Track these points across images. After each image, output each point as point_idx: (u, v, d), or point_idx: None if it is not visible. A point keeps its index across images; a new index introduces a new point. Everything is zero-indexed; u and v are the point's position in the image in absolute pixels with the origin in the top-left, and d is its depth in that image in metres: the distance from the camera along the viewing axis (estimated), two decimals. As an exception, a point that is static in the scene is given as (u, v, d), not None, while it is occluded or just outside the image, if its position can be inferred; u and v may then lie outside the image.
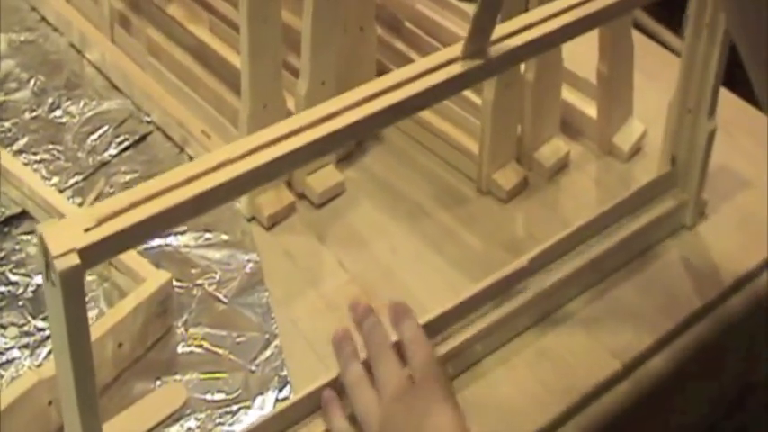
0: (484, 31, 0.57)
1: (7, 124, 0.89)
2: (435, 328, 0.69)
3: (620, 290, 0.75)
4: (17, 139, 0.87)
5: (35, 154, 0.86)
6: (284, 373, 0.70)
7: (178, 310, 0.74)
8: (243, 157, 0.50)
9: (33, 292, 0.75)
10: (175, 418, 0.68)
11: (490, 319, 0.70)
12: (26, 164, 0.84)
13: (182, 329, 0.73)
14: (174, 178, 0.48)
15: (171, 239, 0.79)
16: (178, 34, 0.89)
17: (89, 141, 0.88)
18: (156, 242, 0.79)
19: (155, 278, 0.72)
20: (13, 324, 0.73)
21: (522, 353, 0.71)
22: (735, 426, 0.89)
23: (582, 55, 0.82)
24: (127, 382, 0.70)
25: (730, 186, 0.82)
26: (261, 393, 0.69)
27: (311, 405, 0.65)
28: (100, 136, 0.88)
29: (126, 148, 0.87)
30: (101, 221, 0.47)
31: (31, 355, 0.71)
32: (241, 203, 0.81)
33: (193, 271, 0.77)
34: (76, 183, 0.84)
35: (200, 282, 0.76)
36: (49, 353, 0.71)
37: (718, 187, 0.81)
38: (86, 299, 0.73)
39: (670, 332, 0.73)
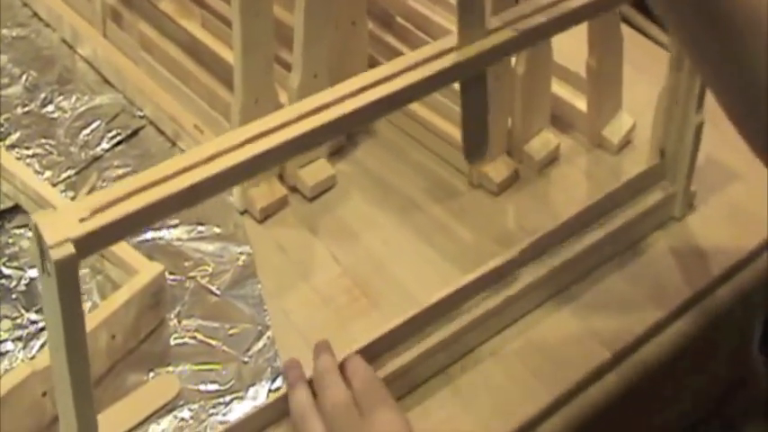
0: (472, 23, 0.57)
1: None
2: (427, 319, 0.69)
3: (611, 280, 0.76)
4: (10, 134, 0.88)
5: (28, 148, 0.87)
6: (277, 364, 0.71)
7: (171, 303, 0.74)
8: (234, 148, 0.50)
9: (26, 285, 0.76)
10: (168, 408, 0.68)
11: (481, 309, 0.71)
12: (19, 158, 0.85)
13: (175, 321, 0.74)
14: (167, 169, 0.49)
15: (164, 232, 0.80)
16: (170, 29, 0.89)
17: (81, 136, 0.88)
18: (149, 235, 0.79)
19: (147, 270, 0.72)
20: (6, 317, 0.73)
21: (513, 343, 0.72)
22: (725, 418, 0.90)
23: (571, 49, 0.83)
24: (120, 374, 0.70)
25: (718, 178, 0.83)
26: (253, 384, 0.70)
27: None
28: (92, 130, 0.88)
29: (118, 143, 0.87)
30: (95, 212, 0.47)
31: (24, 347, 0.72)
32: (234, 196, 0.82)
33: (186, 263, 0.77)
34: (69, 177, 0.84)
35: (192, 274, 0.77)
36: (43, 345, 0.72)
37: (706, 179, 0.81)
38: (79, 291, 0.75)
39: (659, 322, 0.74)
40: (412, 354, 0.68)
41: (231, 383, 0.70)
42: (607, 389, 0.71)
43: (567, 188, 0.84)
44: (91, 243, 0.47)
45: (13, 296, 0.75)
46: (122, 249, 0.75)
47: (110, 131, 0.88)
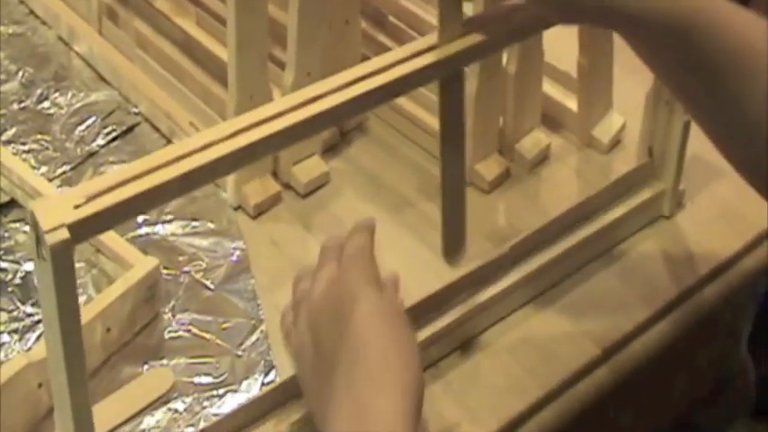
0: (453, 18, 0.58)
1: (-5, 115, 0.90)
2: (418, 313, 0.70)
3: (600, 278, 0.77)
4: (6, 130, 0.88)
5: (24, 144, 0.87)
6: (270, 357, 0.72)
7: (165, 297, 0.75)
8: (227, 138, 0.51)
9: (22, 278, 0.76)
10: (163, 401, 0.69)
11: (472, 305, 0.71)
12: (15, 154, 0.85)
13: (169, 315, 0.74)
14: (161, 158, 0.50)
15: (158, 228, 0.80)
16: (165, 27, 0.90)
17: (77, 132, 0.89)
18: (144, 230, 0.80)
19: (142, 264, 0.73)
20: (2, 310, 0.74)
21: (503, 338, 0.73)
22: (713, 416, 0.91)
23: (562, 49, 0.84)
24: (115, 367, 0.71)
25: (707, 176, 0.84)
26: (247, 377, 0.71)
27: (296, 388, 0.66)
28: (88, 127, 0.89)
29: (114, 139, 0.88)
30: (90, 198, 0.49)
31: (20, 339, 0.72)
32: (228, 192, 0.83)
33: (180, 258, 0.78)
34: (64, 172, 0.85)
35: (187, 269, 0.78)
36: (39, 338, 0.72)
37: (694, 177, 0.82)
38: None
39: (648, 319, 0.75)
40: (403, 348, 0.69)
41: (225, 376, 0.71)
42: (596, 385, 0.72)
43: (557, 187, 0.85)
44: (85, 228, 0.48)
45: (10, 289, 0.76)
46: (118, 244, 0.76)
47: (105, 128, 0.89)
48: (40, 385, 0.67)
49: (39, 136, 0.88)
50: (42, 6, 0.99)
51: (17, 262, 0.77)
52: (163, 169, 0.50)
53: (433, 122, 0.86)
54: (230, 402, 0.69)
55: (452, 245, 0.66)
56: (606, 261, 0.78)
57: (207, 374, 0.71)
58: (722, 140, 0.63)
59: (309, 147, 0.84)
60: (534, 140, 0.86)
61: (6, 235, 0.80)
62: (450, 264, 0.69)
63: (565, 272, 0.76)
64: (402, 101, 0.88)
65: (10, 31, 0.99)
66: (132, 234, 0.80)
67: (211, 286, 0.76)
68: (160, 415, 0.68)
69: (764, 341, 1.19)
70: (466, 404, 0.69)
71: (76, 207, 0.49)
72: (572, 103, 0.88)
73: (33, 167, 0.85)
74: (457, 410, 0.68)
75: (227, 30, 0.76)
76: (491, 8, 0.63)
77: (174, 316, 0.74)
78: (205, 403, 0.69)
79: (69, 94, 0.92)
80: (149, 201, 0.50)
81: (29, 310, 0.74)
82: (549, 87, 0.88)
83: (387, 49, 0.88)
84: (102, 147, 0.88)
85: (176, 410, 0.69)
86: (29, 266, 0.77)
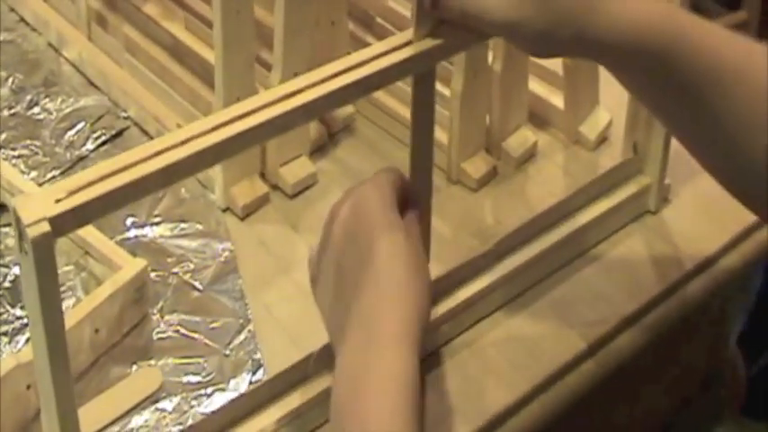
0: (427, 15, 0.59)
1: (-15, 121, 0.90)
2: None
3: (586, 273, 0.77)
4: (-4, 136, 0.89)
5: (14, 149, 0.88)
6: (258, 356, 0.72)
7: (154, 298, 0.76)
8: (207, 132, 0.52)
9: (12, 281, 0.77)
10: (151, 401, 0.70)
11: (457, 301, 0.72)
12: (5, 159, 0.86)
13: (157, 316, 0.75)
14: (141, 153, 0.51)
15: (147, 230, 0.81)
16: (154, 32, 0.91)
17: (67, 137, 0.89)
18: (132, 233, 0.81)
19: (131, 266, 0.74)
20: (-8, 313, 0.75)
21: (489, 334, 0.73)
22: (702, 410, 0.91)
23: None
24: (104, 368, 0.71)
25: (692, 171, 0.83)
26: (235, 376, 0.71)
27: (284, 384, 0.67)
28: (77, 131, 0.90)
29: (103, 143, 0.89)
30: (71, 193, 0.49)
31: (9, 342, 0.73)
32: (216, 194, 0.83)
33: (169, 260, 0.79)
34: (54, 177, 0.86)
35: (175, 270, 0.78)
36: (28, 340, 0.73)
37: (680, 172, 0.83)
38: (64, 288, 0.76)
39: (634, 314, 0.75)
40: (390, 345, 0.69)
41: (213, 376, 0.71)
42: (583, 379, 0.72)
43: (544, 184, 0.85)
44: (66, 222, 0.49)
45: (0, 292, 0.76)
46: (106, 246, 0.76)
47: (95, 132, 0.89)
48: (28, 387, 0.67)
49: (28, 141, 0.89)
50: (32, 13, 1.00)
51: (6, 266, 0.78)
52: (143, 163, 0.51)
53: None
54: (218, 401, 0.69)
55: (416, 205, 0.66)
56: (592, 257, 0.78)
57: (195, 374, 0.71)
58: (706, 159, 0.64)
59: (297, 148, 0.84)
60: (521, 138, 0.87)
61: (-3, 239, 0.80)
62: None
63: (550, 268, 0.76)
64: (390, 101, 0.88)
65: (0, 38, 0.99)
66: (121, 237, 0.80)
67: (200, 287, 0.77)
68: (148, 414, 0.69)
69: (756, 341, 1.20)
70: (452, 399, 0.69)
71: (57, 201, 0.49)
72: (558, 101, 0.88)
73: (23, 172, 0.85)
74: (443, 406, 0.69)
75: (213, 32, 0.77)
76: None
77: (162, 317, 0.75)
78: (193, 402, 0.69)
79: (59, 100, 0.93)
80: (130, 194, 0.50)
81: (18, 312, 0.75)
82: (536, 85, 0.89)
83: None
84: (92, 151, 0.88)
85: (164, 410, 0.69)
86: (18, 270, 0.77)
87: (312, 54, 0.82)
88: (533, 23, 0.58)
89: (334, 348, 0.62)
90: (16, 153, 0.88)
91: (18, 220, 0.49)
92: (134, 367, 0.72)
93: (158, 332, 0.74)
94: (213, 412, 0.65)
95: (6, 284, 0.77)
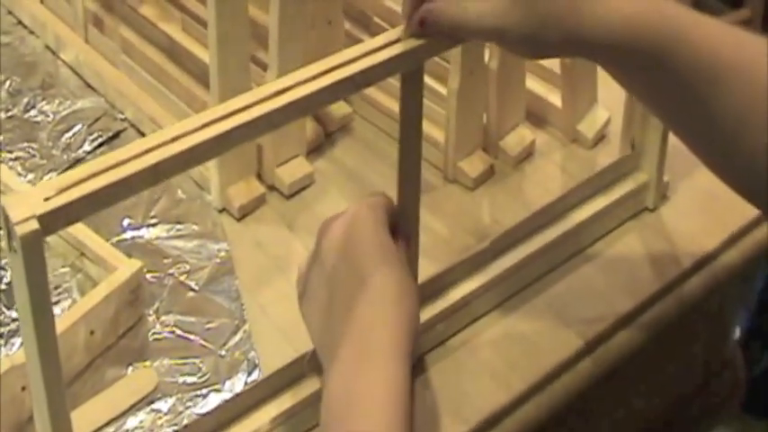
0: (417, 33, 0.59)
1: (-17, 124, 0.90)
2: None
3: (583, 271, 0.77)
4: (-7, 138, 0.89)
5: (11, 152, 0.88)
6: (253, 357, 0.72)
7: (150, 299, 0.75)
8: (197, 130, 0.52)
9: (8, 284, 0.77)
10: (147, 401, 0.69)
11: (453, 299, 0.71)
12: (2, 162, 0.86)
13: (153, 317, 0.75)
14: (131, 151, 0.51)
15: (143, 231, 0.81)
16: (151, 33, 0.90)
17: (64, 139, 0.89)
18: (129, 234, 0.81)
19: (126, 267, 0.74)
20: (-13, 315, 0.75)
21: (484, 333, 0.73)
22: (702, 407, 0.91)
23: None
24: (99, 369, 0.71)
25: (691, 167, 0.83)
26: (230, 377, 0.71)
27: (279, 384, 0.66)
28: (74, 134, 0.90)
29: (100, 145, 0.89)
30: (60, 191, 0.49)
31: (5, 344, 0.73)
32: (212, 195, 0.83)
33: (165, 261, 0.79)
34: (51, 179, 0.86)
35: (171, 271, 0.78)
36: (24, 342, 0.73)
37: (679, 168, 0.82)
38: (59, 290, 0.76)
39: (632, 311, 0.75)
40: (385, 344, 0.69)
41: (208, 376, 0.71)
42: (580, 377, 0.72)
43: (542, 183, 0.85)
44: (55, 219, 0.49)
45: (-5, 295, 0.76)
46: (101, 247, 0.76)
47: (91, 134, 0.89)
48: (23, 388, 0.67)
49: (26, 144, 0.89)
50: (29, 16, 1.00)
51: (3, 268, 0.78)
52: (133, 161, 0.51)
53: (417, 121, 0.86)
54: (214, 402, 0.69)
55: (405, 232, 0.66)
56: (589, 255, 0.78)
57: (190, 375, 0.71)
58: (704, 155, 0.64)
59: (294, 148, 0.84)
60: (519, 137, 0.86)
61: (-8, 241, 0.80)
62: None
63: (547, 266, 0.76)
64: (387, 100, 0.88)
65: (-2, 41, 0.99)
66: (117, 238, 0.80)
67: (195, 287, 0.77)
68: (143, 416, 0.68)
69: (757, 341, 1.19)
70: (448, 398, 0.69)
71: (47, 199, 0.49)
72: (556, 99, 0.88)
73: (20, 174, 0.85)
74: (440, 405, 0.68)
75: (208, 32, 0.77)
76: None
77: (158, 317, 0.75)
78: (188, 403, 0.69)
79: (56, 102, 0.93)
80: (120, 192, 0.50)
81: (14, 315, 0.74)
82: (533, 83, 0.88)
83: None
84: (89, 153, 0.88)
85: (160, 411, 0.69)
86: (14, 271, 0.77)
87: (308, 54, 0.81)
88: (521, 27, 0.58)
89: (323, 363, 0.62)
90: (13, 155, 0.88)
91: (7, 218, 0.49)
92: (129, 368, 0.71)
93: (154, 333, 0.74)
94: (207, 413, 0.65)
95: (2, 287, 0.77)
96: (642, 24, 0.58)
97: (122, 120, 0.91)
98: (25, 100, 0.93)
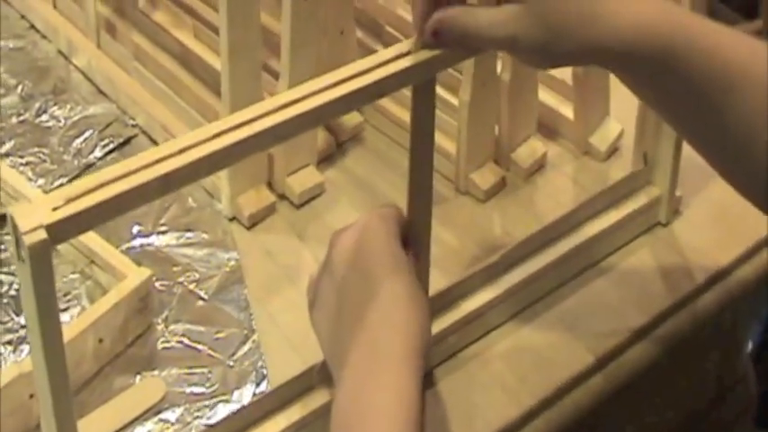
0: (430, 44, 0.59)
1: (-6, 128, 0.90)
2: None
3: (595, 285, 0.76)
4: (4, 143, 0.89)
5: (21, 157, 0.88)
6: (262, 367, 0.71)
7: (159, 308, 0.75)
8: (207, 140, 0.52)
9: (17, 290, 0.76)
10: (155, 411, 0.69)
11: (465, 312, 0.71)
12: (12, 166, 0.86)
13: (162, 326, 0.74)
14: (140, 161, 0.51)
15: (153, 239, 0.81)
16: (163, 40, 0.90)
17: (75, 144, 0.89)
18: (138, 242, 0.80)
19: (135, 275, 0.73)
20: (-3, 321, 0.75)
21: (496, 346, 0.72)
22: (714, 423, 0.90)
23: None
24: (107, 378, 0.71)
25: (704, 181, 0.83)
26: (239, 387, 0.70)
27: (288, 395, 0.66)
28: (85, 139, 0.90)
29: (111, 151, 0.88)
30: (69, 201, 0.49)
31: (14, 351, 0.73)
32: (222, 204, 0.83)
33: (174, 269, 0.78)
34: (62, 185, 0.85)
35: (180, 279, 0.77)
36: (32, 349, 0.73)
37: (691, 182, 0.82)
38: (69, 297, 0.76)
39: (643, 327, 0.74)
40: (395, 356, 0.68)
41: (216, 387, 0.70)
42: (591, 393, 0.71)
43: (554, 195, 0.84)
44: (63, 229, 0.49)
45: (5, 301, 0.76)
46: (111, 255, 0.76)
47: (102, 140, 0.89)
48: (31, 396, 0.67)
49: (37, 149, 0.89)
50: (42, 20, 1.00)
51: (12, 274, 0.78)
52: (142, 171, 0.50)
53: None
54: (222, 413, 0.69)
55: (416, 241, 0.66)
56: (601, 269, 0.77)
57: (199, 385, 0.71)
58: (716, 162, 0.63)
59: (304, 157, 0.84)
60: (530, 149, 0.86)
61: (2, 247, 0.80)
62: None
63: (558, 280, 0.76)
64: (398, 110, 0.88)
65: (10, 45, 0.99)
66: (127, 245, 0.80)
67: (205, 296, 0.76)
68: (151, 425, 0.68)
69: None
70: (459, 411, 0.68)
71: (55, 209, 0.49)
72: (568, 111, 0.87)
73: (31, 180, 0.85)
74: (450, 417, 0.68)
75: (219, 40, 0.76)
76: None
77: (167, 326, 0.74)
78: (196, 414, 0.69)
79: (68, 107, 0.92)
80: (129, 202, 0.50)
81: (23, 321, 0.74)
82: (545, 95, 0.88)
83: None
84: (100, 159, 0.88)
85: (167, 421, 0.68)
86: (23, 278, 0.77)
87: (320, 63, 0.81)
88: (534, 35, 0.57)
89: (332, 372, 0.62)
90: (24, 160, 0.88)
91: (15, 227, 0.48)
92: (138, 377, 0.71)
93: (163, 342, 0.73)
94: (216, 424, 0.65)
95: (12, 293, 0.76)
96: (656, 31, 0.58)
97: (133, 126, 0.91)
98: (37, 105, 0.93)
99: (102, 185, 0.50)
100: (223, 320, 0.75)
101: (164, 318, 0.75)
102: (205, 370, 0.71)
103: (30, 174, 0.86)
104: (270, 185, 0.84)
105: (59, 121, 0.91)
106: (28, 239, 0.48)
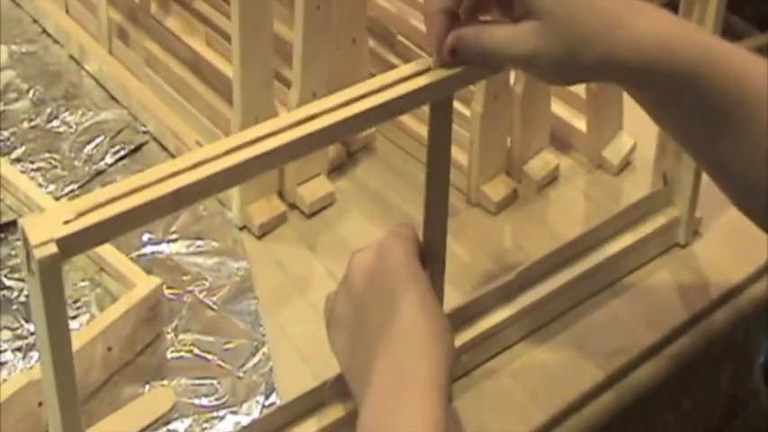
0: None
1: (6, 133, 0.90)
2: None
3: (611, 306, 0.76)
4: (15, 148, 0.89)
5: (32, 162, 0.88)
6: (272, 379, 0.71)
7: (168, 316, 0.75)
8: (221, 156, 0.51)
9: (27, 296, 0.76)
10: (163, 422, 0.69)
11: (477, 331, 0.70)
12: (23, 172, 0.86)
13: (171, 335, 0.74)
14: (153, 175, 0.50)
15: (163, 247, 0.80)
16: (175, 47, 0.90)
17: (86, 150, 0.89)
18: (149, 249, 0.80)
19: (145, 284, 0.73)
20: (6, 327, 0.74)
21: (508, 364, 0.72)
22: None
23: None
24: (116, 386, 0.71)
25: (722, 202, 0.81)
26: (248, 399, 0.70)
27: (298, 411, 0.66)
28: (96, 145, 0.89)
29: (122, 158, 0.88)
30: (80, 214, 0.49)
31: (23, 358, 0.72)
32: (233, 212, 0.82)
33: (184, 278, 0.78)
34: (72, 191, 0.85)
35: (190, 288, 0.77)
36: (41, 357, 0.72)
37: (710, 204, 0.80)
38: (78, 304, 0.76)
39: (656, 343, 0.74)
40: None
41: (226, 398, 0.70)
42: (601, 410, 0.71)
43: (566, 209, 0.84)
44: (74, 243, 0.49)
45: (14, 307, 0.76)
46: (121, 263, 0.76)
47: (113, 146, 0.89)
48: (40, 404, 0.67)
49: (47, 154, 0.88)
50: (54, 25, 1.00)
51: (22, 280, 0.78)
52: (155, 186, 0.50)
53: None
54: (230, 424, 0.68)
55: (431, 258, 0.66)
56: (618, 289, 0.77)
57: (208, 396, 0.70)
58: (724, 183, 0.63)
59: (315, 167, 0.84)
60: (543, 161, 0.86)
61: (13, 253, 0.80)
62: None
63: (574, 300, 0.75)
64: (410, 122, 0.87)
65: (23, 49, 0.99)
66: (137, 253, 0.80)
67: (214, 306, 0.76)
68: (159, 436, 0.68)
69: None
70: (470, 428, 0.68)
71: (66, 222, 0.49)
72: (581, 124, 0.87)
73: (41, 185, 0.85)
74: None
75: (231, 48, 0.76)
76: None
77: (176, 336, 0.74)
78: (205, 425, 0.69)
79: (79, 113, 0.92)
80: (141, 217, 0.50)
81: (33, 328, 0.74)
82: (558, 108, 0.88)
83: (395, 68, 0.88)
84: (110, 165, 0.88)
85: None
86: (33, 285, 0.77)
87: (332, 72, 0.81)
88: (553, 52, 0.57)
89: (354, 391, 0.62)
90: (35, 166, 0.87)
91: (26, 240, 0.48)
92: (147, 387, 0.71)
93: (172, 351, 0.73)
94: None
95: (21, 299, 0.76)
96: (675, 49, 0.58)
97: (144, 133, 0.90)
98: (48, 110, 0.93)
99: (114, 199, 0.50)
100: (233, 331, 0.74)
101: (173, 327, 0.75)
102: (214, 381, 0.71)
103: (40, 179, 0.86)
104: (280, 195, 0.83)
105: (70, 127, 0.91)
106: (38, 253, 0.48)
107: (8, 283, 0.78)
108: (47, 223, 0.49)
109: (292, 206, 0.83)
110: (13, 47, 0.99)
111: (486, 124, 0.81)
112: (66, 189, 0.85)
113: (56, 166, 0.87)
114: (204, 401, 0.70)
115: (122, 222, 0.50)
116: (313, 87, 0.79)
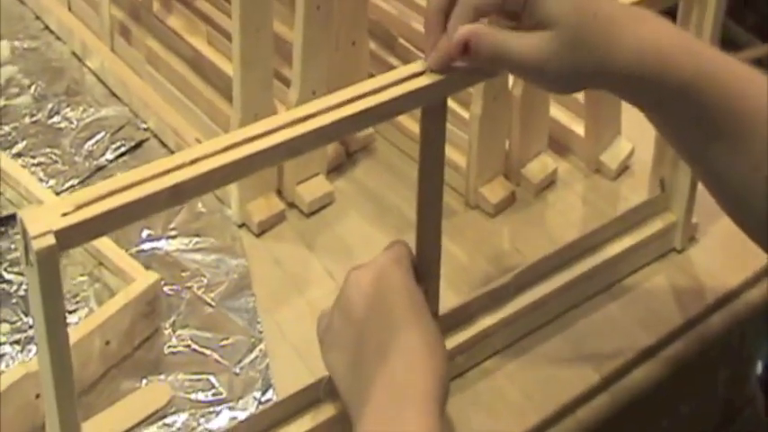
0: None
1: (7, 128, 0.90)
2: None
3: (607, 309, 0.76)
4: (16, 143, 0.89)
5: (33, 157, 0.88)
6: (268, 375, 0.71)
7: (167, 312, 0.75)
8: (219, 152, 0.52)
9: (26, 290, 0.77)
10: (159, 416, 0.69)
11: (473, 332, 0.71)
12: (24, 167, 0.86)
13: (169, 330, 0.74)
14: (151, 170, 0.51)
15: (162, 243, 0.81)
16: (176, 44, 0.91)
17: (86, 146, 0.89)
18: (148, 245, 0.81)
19: (144, 279, 0.74)
20: (5, 320, 0.75)
21: (503, 365, 0.72)
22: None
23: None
24: (114, 380, 0.71)
25: (719, 209, 0.83)
26: (244, 395, 0.70)
27: (294, 407, 0.66)
28: (97, 141, 0.90)
29: (122, 154, 0.89)
30: (78, 207, 0.49)
31: (22, 350, 0.73)
32: (232, 210, 0.83)
33: (183, 274, 0.78)
34: (73, 186, 0.86)
35: (189, 284, 0.78)
36: (38, 350, 0.73)
37: (707, 208, 0.81)
38: (77, 299, 0.76)
39: (651, 346, 0.74)
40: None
41: (222, 394, 0.70)
42: (595, 411, 0.71)
43: (563, 212, 0.84)
44: (72, 236, 0.49)
45: (13, 300, 0.76)
46: (120, 258, 0.76)
47: (114, 143, 0.90)
48: (37, 396, 0.67)
49: (48, 150, 0.89)
50: (57, 22, 1.00)
51: (21, 273, 0.78)
52: (153, 180, 0.50)
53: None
54: (226, 420, 0.69)
55: (424, 269, 0.66)
56: (614, 293, 0.77)
57: (204, 391, 0.71)
58: (718, 194, 0.64)
59: (314, 166, 0.84)
60: (541, 165, 0.86)
61: (12, 246, 0.80)
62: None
63: (570, 303, 0.75)
64: (409, 122, 0.88)
65: (25, 45, 1.00)
66: (136, 249, 0.80)
67: (212, 303, 0.77)
68: (155, 430, 0.68)
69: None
70: (464, 428, 0.68)
71: (64, 215, 0.49)
72: (580, 128, 0.88)
73: (42, 180, 0.86)
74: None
75: (232, 47, 0.77)
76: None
77: (174, 331, 0.74)
78: (201, 420, 0.69)
79: (80, 109, 0.93)
80: (138, 211, 0.50)
81: (32, 321, 0.74)
82: (557, 111, 0.88)
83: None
84: (111, 161, 0.88)
85: (172, 426, 0.69)
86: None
87: (332, 73, 0.82)
88: (562, 61, 0.57)
89: (350, 408, 0.62)
90: (36, 161, 0.88)
91: (25, 231, 0.49)
92: (144, 381, 0.71)
93: (169, 346, 0.73)
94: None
95: (21, 292, 0.77)
96: (673, 58, 0.58)
97: (145, 130, 0.91)
98: (50, 105, 0.93)
99: (112, 193, 0.50)
100: (230, 327, 0.75)
101: (171, 322, 0.75)
102: (211, 376, 0.72)
103: (41, 174, 0.87)
104: (279, 193, 0.84)
105: (72, 123, 0.91)
106: (36, 244, 0.48)
107: (8, 276, 0.78)
108: (45, 215, 0.49)
109: (291, 205, 0.84)
110: (16, 43, 1.00)
111: (485, 127, 0.82)
112: (67, 184, 0.86)
113: (56, 162, 0.88)
114: (201, 396, 0.70)
115: (120, 216, 0.50)
116: (313, 87, 0.80)
